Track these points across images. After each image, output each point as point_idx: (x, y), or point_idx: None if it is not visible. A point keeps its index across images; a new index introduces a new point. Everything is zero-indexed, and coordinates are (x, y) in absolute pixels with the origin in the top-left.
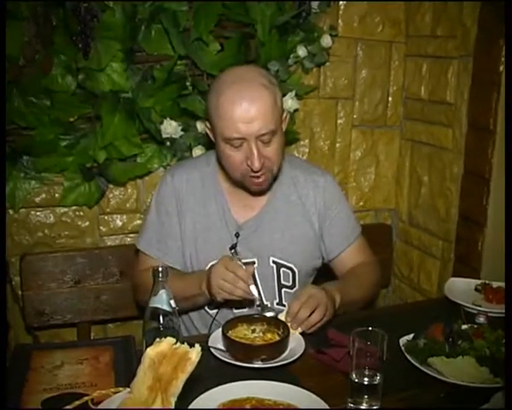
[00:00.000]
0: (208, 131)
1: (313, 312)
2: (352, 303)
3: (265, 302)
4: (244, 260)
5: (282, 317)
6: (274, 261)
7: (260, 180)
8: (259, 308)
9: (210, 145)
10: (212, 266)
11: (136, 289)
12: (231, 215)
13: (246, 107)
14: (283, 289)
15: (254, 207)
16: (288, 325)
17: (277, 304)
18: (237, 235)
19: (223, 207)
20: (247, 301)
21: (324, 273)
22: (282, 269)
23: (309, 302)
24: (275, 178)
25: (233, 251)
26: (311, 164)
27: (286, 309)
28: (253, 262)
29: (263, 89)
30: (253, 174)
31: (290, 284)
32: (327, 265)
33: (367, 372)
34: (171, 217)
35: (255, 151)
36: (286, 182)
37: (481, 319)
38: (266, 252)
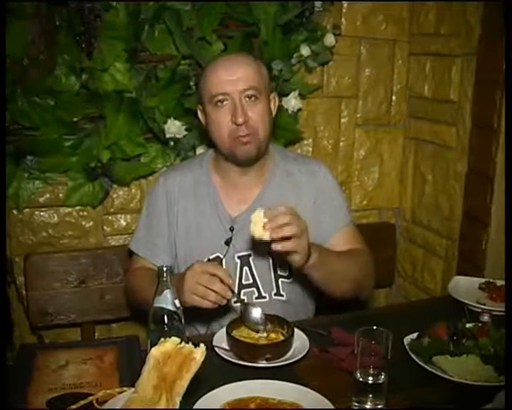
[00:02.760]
0: (200, 114)
1: (289, 226)
2: (332, 273)
3: (245, 300)
4: (240, 254)
5: (260, 213)
6: (270, 252)
7: (246, 142)
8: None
9: (211, 145)
10: (188, 269)
11: (126, 291)
12: (225, 210)
13: (230, 68)
14: (280, 279)
15: (247, 200)
16: (262, 222)
17: (275, 294)
18: (232, 229)
19: (216, 203)
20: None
21: None
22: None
23: (293, 215)
24: (263, 155)
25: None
26: (304, 156)
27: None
28: (249, 254)
29: (248, 58)
30: (240, 134)
31: (287, 273)
32: None
33: (371, 371)
34: (161, 219)
35: (239, 106)
36: (279, 174)
37: (485, 318)
38: (262, 243)
